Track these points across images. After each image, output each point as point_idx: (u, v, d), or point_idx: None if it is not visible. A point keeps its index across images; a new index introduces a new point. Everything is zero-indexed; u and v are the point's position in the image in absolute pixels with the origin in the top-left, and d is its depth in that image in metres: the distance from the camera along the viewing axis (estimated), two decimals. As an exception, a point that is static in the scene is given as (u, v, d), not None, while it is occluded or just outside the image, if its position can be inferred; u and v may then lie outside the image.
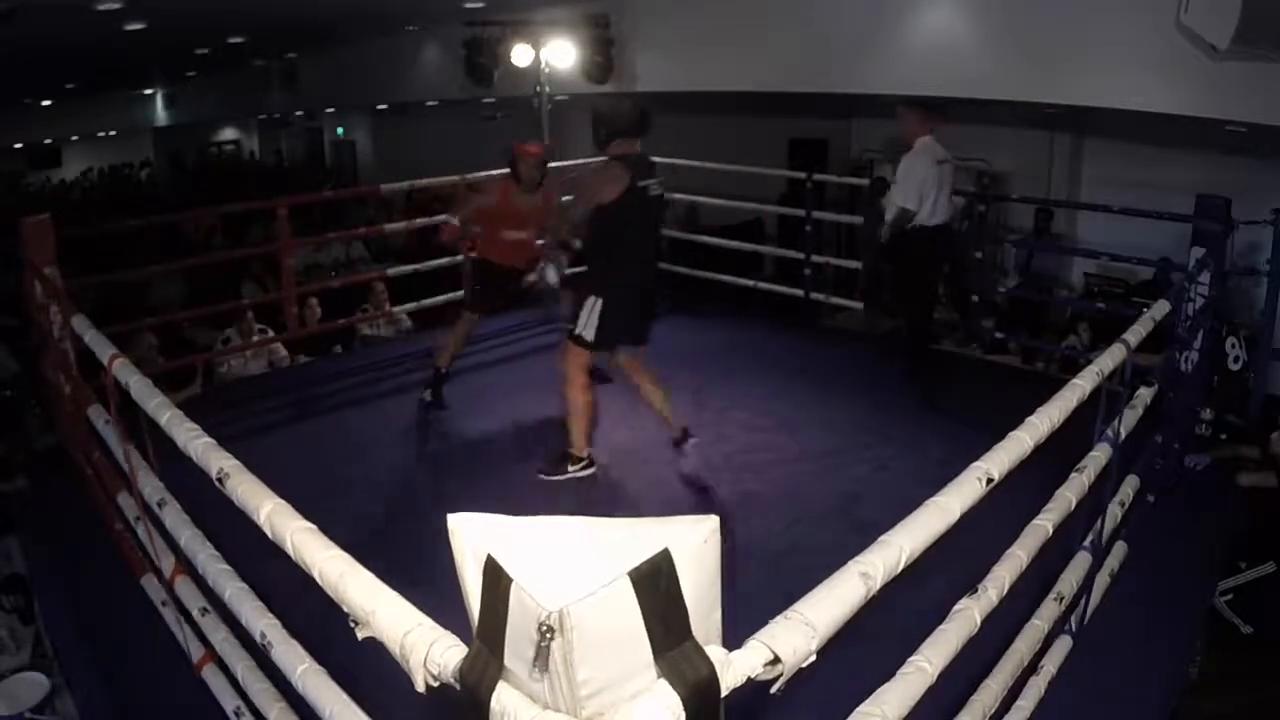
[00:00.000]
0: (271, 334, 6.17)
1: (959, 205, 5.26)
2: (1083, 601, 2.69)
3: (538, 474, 4.06)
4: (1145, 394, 2.86)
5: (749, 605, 1.18)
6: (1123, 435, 2.57)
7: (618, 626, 0.91)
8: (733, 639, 1.05)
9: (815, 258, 6.45)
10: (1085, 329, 6.80)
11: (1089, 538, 2.66)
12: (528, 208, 4.79)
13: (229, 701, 2.43)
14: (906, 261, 5.13)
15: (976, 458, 1.67)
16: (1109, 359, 2.34)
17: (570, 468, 4.05)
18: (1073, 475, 2.33)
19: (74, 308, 2.96)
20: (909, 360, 5.21)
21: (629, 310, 3.91)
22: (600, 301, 3.83)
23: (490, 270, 4.94)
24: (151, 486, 2.48)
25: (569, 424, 4.03)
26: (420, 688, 1.13)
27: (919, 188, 4.80)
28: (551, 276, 4.15)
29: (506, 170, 4.85)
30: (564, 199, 4.68)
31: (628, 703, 0.93)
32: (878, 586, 1.28)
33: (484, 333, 6.09)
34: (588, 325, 3.85)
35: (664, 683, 0.93)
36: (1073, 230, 8.83)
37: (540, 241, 4.79)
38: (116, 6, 6.71)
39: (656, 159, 5.08)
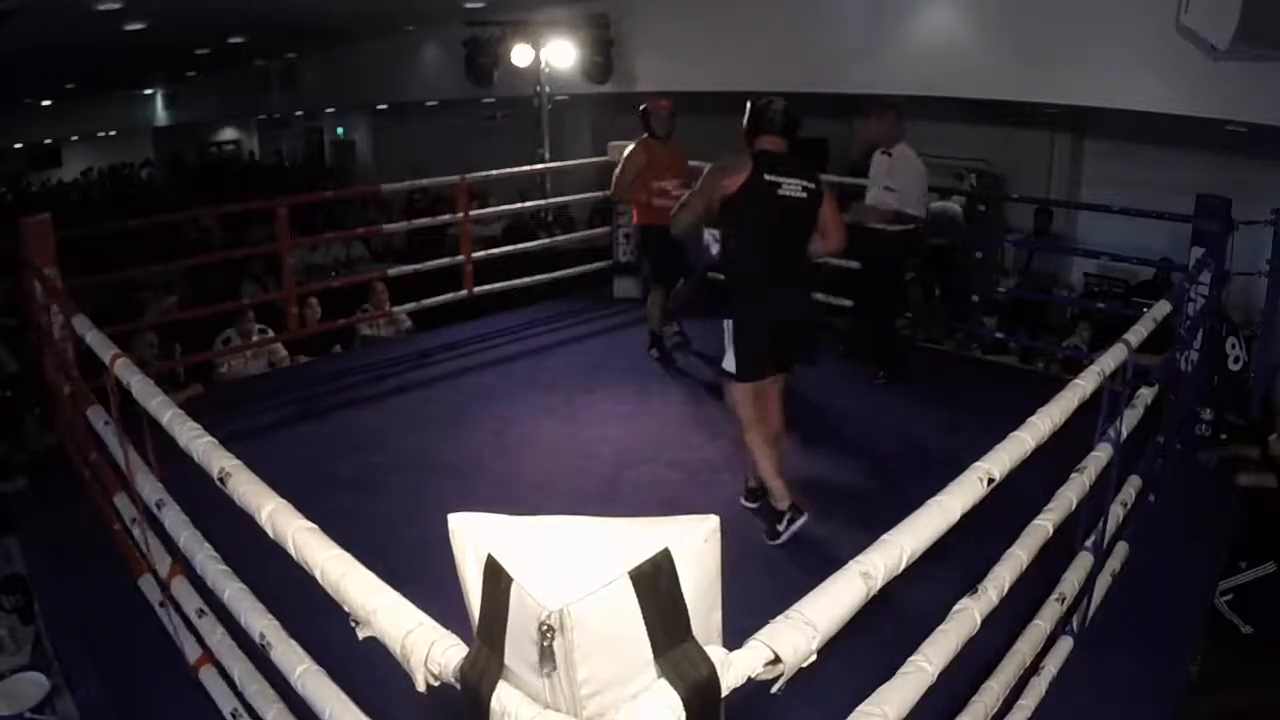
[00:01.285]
0: (271, 334, 6.16)
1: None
2: (1084, 602, 2.69)
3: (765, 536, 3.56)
4: (1146, 394, 2.86)
5: (749, 605, 1.18)
6: (1124, 435, 2.57)
7: (618, 626, 0.91)
8: (733, 638, 1.05)
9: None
10: (1086, 328, 6.80)
11: (1090, 538, 2.66)
12: (667, 157, 5.33)
13: (226, 703, 2.43)
14: (893, 263, 5.22)
15: (977, 458, 1.67)
16: (1110, 359, 2.34)
17: (779, 527, 3.50)
18: (1073, 475, 2.33)
19: (74, 308, 2.96)
20: (886, 357, 5.29)
21: (759, 330, 3.42)
22: (731, 323, 3.43)
23: (655, 236, 5.12)
24: (150, 487, 2.48)
25: (760, 474, 3.60)
26: (421, 687, 1.13)
27: (924, 192, 4.88)
28: (711, 245, 3.78)
29: (643, 135, 5.38)
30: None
31: (628, 702, 0.92)
32: (878, 586, 1.27)
33: (488, 331, 6.10)
34: (728, 355, 3.45)
35: (664, 682, 0.93)
36: (1073, 230, 8.84)
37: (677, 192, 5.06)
38: (116, 6, 6.72)
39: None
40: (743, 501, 3.86)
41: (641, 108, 5.42)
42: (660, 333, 5.55)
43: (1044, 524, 2.10)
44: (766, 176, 3.32)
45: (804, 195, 3.38)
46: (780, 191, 3.33)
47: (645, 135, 5.36)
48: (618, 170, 5.37)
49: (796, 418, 4.77)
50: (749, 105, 3.53)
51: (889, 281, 5.31)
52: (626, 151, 5.37)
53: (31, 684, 3.40)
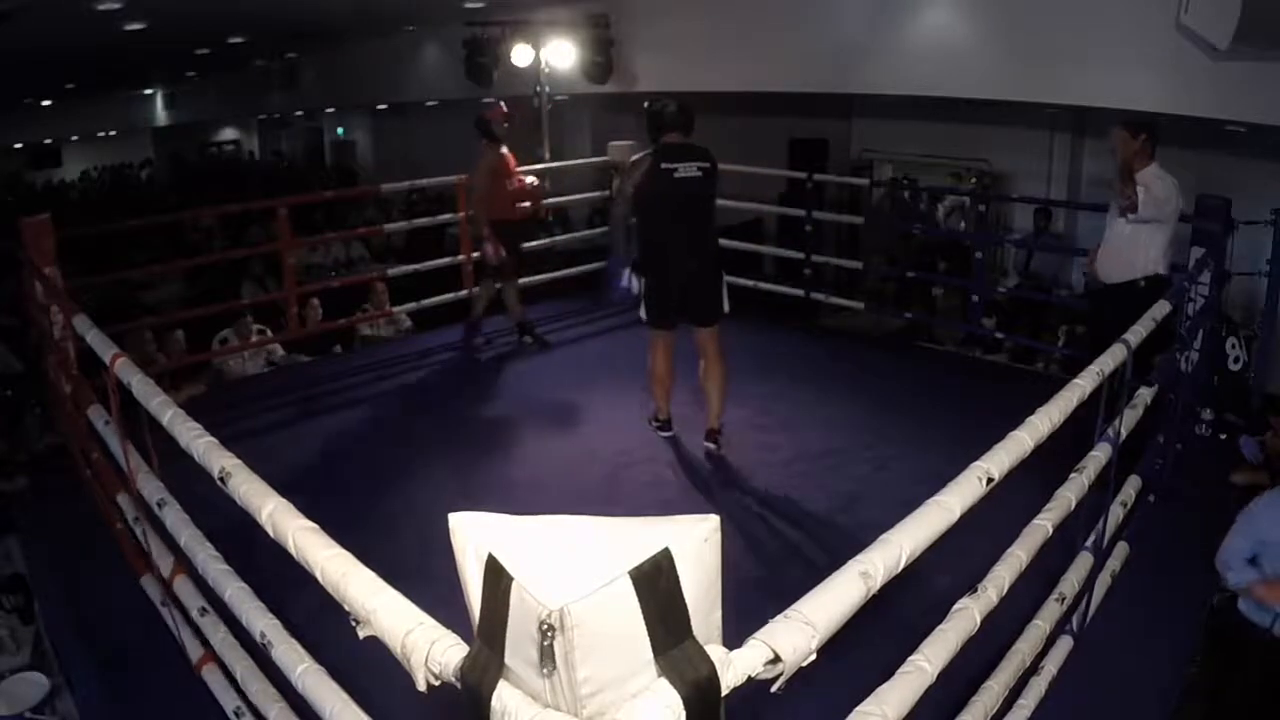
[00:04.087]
0: (269, 334, 6.17)
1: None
2: (1084, 602, 2.69)
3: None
4: (1145, 394, 2.86)
5: (749, 604, 1.18)
6: (1123, 435, 2.57)
7: (618, 625, 0.91)
8: (733, 638, 1.05)
9: (815, 258, 6.45)
10: (1081, 330, 6.79)
11: (1090, 538, 2.66)
12: (509, 159, 5.56)
13: (229, 701, 2.43)
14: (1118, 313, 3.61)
15: (976, 458, 1.67)
16: (1109, 359, 2.34)
17: (652, 423, 4.50)
18: (1073, 475, 2.33)
19: (75, 307, 2.96)
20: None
21: (663, 288, 4.09)
22: (642, 282, 4.13)
23: (507, 230, 5.51)
24: (152, 486, 2.48)
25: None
26: (421, 687, 1.13)
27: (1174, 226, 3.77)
28: (628, 283, 4.22)
29: (487, 141, 5.50)
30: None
31: (628, 701, 0.92)
32: (878, 586, 1.27)
33: (487, 331, 6.09)
34: (641, 306, 4.17)
35: (664, 681, 0.93)
36: (1073, 230, 8.84)
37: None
38: (116, 6, 6.71)
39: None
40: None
41: (481, 117, 5.52)
42: (525, 320, 5.90)
43: (1043, 524, 2.11)
44: (663, 164, 3.95)
45: (699, 174, 3.99)
46: (676, 175, 3.95)
47: (489, 142, 5.49)
48: (479, 183, 5.43)
49: (797, 417, 4.79)
50: (647, 109, 4.12)
51: (1095, 332, 4.12)
52: (482, 163, 5.44)
53: (31, 684, 3.40)
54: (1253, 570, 2.84)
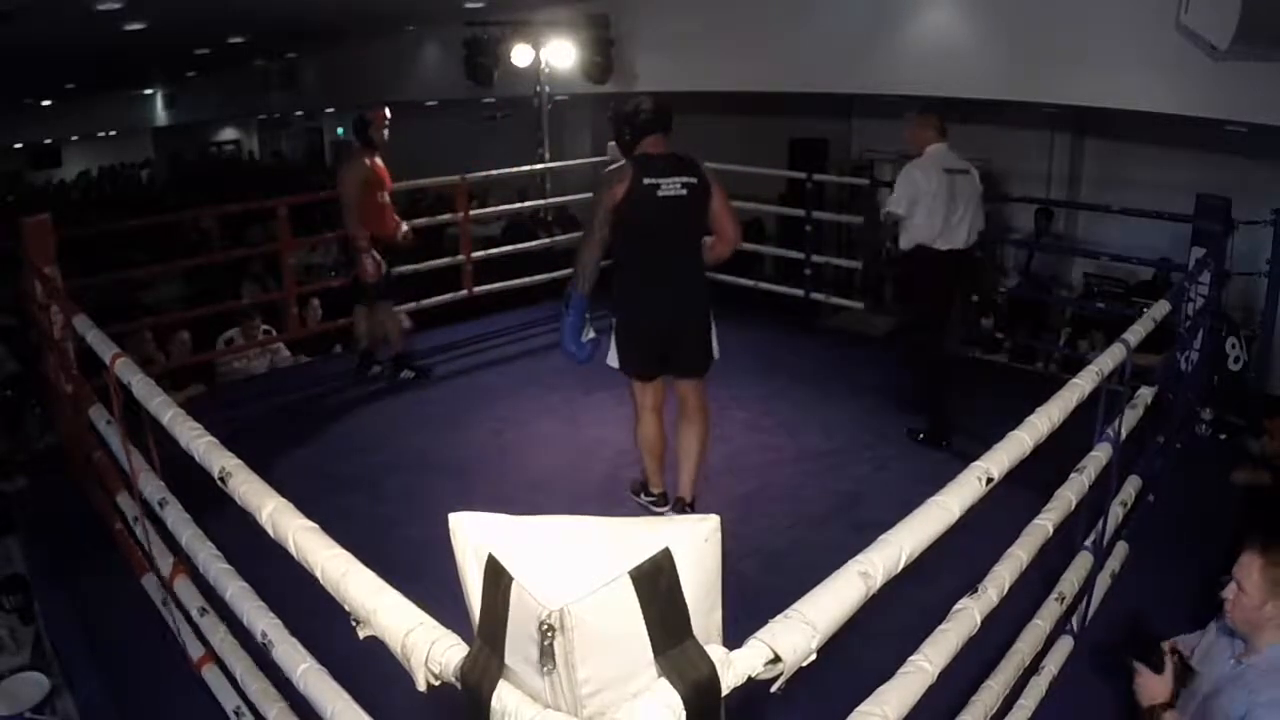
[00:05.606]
0: (274, 334, 6.16)
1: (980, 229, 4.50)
2: (1084, 602, 2.69)
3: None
4: (1145, 394, 2.86)
5: (749, 605, 1.18)
6: (1123, 435, 2.57)
7: (618, 625, 0.91)
8: (733, 638, 1.05)
9: (815, 258, 6.46)
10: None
11: (1090, 538, 2.67)
12: (382, 169, 5.03)
13: (229, 701, 2.43)
14: (911, 287, 4.68)
15: (976, 457, 1.67)
16: (1109, 359, 2.34)
17: (642, 496, 3.81)
18: (1073, 475, 2.33)
19: (75, 307, 2.96)
20: (915, 390, 4.66)
21: (641, 331, 3.51)
22: (614, 320, 3.55)
23: (385, 247, 5.12)
24: (153, 486, 2.48)
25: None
26: (421, 687, 1.13)
27: (912, 195, 4.27)
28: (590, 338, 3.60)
29: (360, 146, 4.97)
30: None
31: (628, 702, 0.93)
32: (878, 586, 1.27)
33: (488, 331, 6.10)
34: (611, 351, 3.57)
35: (664, 681, 0.93)
36: (1073, 230, 8.84)
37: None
38: (116, 6, 6.72)
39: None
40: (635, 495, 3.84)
41: (360, 117, 4.96)
42: (406, 351, 5.42)
43: (1044, 523, 2.11)
44: (645, 180, 3.30)
45: (684, 192, 3.34)
46: (660, 193, 3.32)
47: (362, 146, 4.93)
48: (349, 196, 4.83)
49: (797, 417, 4.79)
50: (616, 113, 3.48)
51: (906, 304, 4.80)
52: (351, 173, 4.87)
53: (31, 684, 3.40)
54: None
